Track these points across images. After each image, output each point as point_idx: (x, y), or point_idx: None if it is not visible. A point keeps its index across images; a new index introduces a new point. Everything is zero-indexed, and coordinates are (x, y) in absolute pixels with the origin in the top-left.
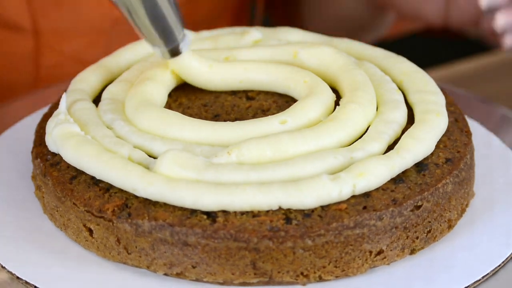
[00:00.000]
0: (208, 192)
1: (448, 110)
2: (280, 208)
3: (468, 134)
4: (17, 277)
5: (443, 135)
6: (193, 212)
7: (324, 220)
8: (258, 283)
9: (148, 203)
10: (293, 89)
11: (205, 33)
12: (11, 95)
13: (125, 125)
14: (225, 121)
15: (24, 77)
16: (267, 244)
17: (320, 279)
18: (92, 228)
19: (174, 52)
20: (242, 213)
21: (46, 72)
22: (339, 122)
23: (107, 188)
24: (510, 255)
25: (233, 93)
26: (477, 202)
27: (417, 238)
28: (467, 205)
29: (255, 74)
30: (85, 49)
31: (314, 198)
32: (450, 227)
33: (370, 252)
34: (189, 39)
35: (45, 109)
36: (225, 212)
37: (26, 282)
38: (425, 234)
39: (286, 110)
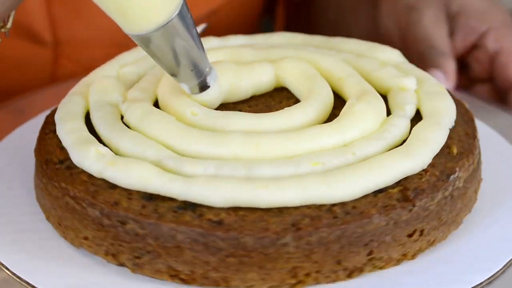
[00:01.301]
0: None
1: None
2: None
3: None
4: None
5: None
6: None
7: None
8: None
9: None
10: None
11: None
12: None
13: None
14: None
15: (40, 86)
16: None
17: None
18: None
19: (202, 86)
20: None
21: (61, 81)
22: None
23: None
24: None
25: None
26: (479, 206)
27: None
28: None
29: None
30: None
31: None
32: None
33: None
34: (215, 72)
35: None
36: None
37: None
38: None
39: None
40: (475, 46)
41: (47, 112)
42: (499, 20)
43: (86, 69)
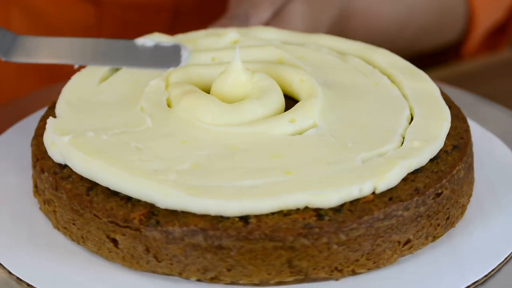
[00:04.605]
0: (232, 201)
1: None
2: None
3: (464, 120)
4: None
5: None
6: None
7: (355, 214)
8: (294, 282)
9: (175, 209)
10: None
11: (181, 36)
12: None
13: None
14: None
15: None
16: (303, 241)
17: (353, 272)
18: (118, 239)
19: None
20: (273, 212)
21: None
22: None
23: (128, 197)
24: None
25: None
26: (466, 217)
27: (438, 225)
28: (472, 190)
29: None
30: (148, 21)
31: (338, 198)
32: (462, 212)
33: (399, 242)
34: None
35: None
36: None
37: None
38: (445, 221)
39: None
40: None
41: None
42: None
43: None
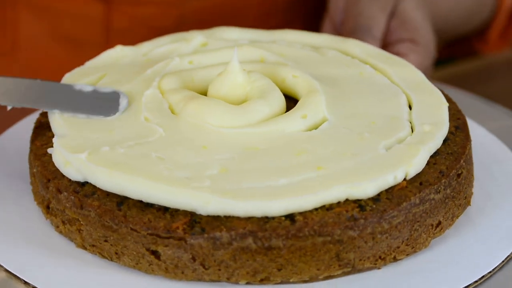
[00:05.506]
0: (276, 200)
1: None
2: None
3: (451, 100)
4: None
5: None
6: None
7: (393, 201)
8: (341, 274)
9: (217, 215)
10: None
11: (147, 43)
12: (83, 53)
13: None
14: None
15: (95, 38)
16: (350, 233)
17: (394, 259)
18: (159, 250)
19: None
20: (316, 208)
21: (116, 35)
22: None
23: (165, 207)
24: None
25: None
26: (475, 202)
27: (460, 205)
28: (473, 169)
29: None
30: (156, 17)
31: (375, 187)
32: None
33: (432, 225)
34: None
35: None
36: None
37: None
38: (464, 200)
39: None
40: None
41: None
42: (424, 38)
43: (141, 24)
